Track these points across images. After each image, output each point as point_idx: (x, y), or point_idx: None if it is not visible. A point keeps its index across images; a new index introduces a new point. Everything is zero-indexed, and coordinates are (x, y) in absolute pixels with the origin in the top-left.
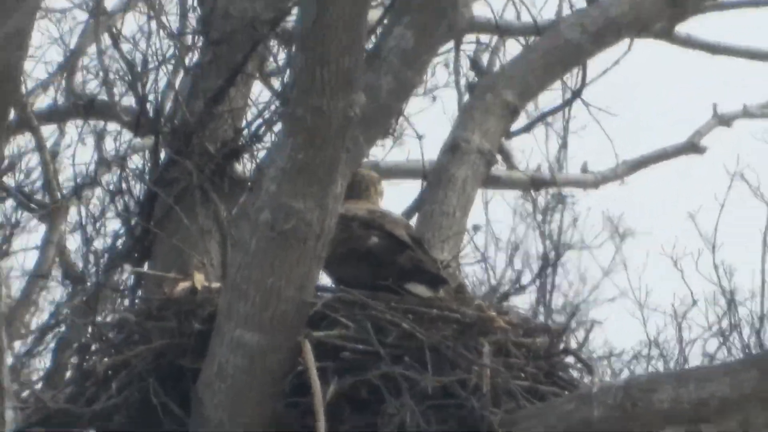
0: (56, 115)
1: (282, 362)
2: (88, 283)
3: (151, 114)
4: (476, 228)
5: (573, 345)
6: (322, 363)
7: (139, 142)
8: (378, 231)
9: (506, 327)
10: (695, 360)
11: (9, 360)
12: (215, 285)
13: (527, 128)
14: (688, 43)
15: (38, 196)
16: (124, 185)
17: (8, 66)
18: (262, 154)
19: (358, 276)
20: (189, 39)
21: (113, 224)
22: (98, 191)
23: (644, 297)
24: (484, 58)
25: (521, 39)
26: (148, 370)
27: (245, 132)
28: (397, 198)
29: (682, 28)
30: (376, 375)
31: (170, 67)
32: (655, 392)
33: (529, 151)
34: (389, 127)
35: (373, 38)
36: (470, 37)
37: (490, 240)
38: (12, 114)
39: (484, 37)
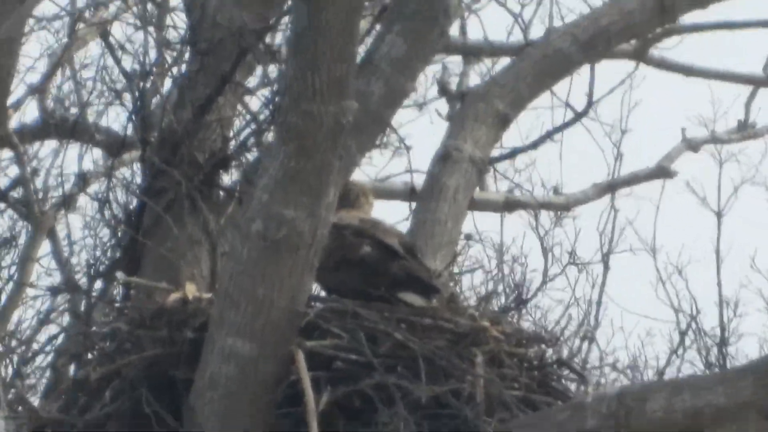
0: (32, 134)
1: (274, 372)
2: (80, 293)
3: (138, 124)
4: (469, 238)
5: (566, 355)
6: (314, 373)
7: (128, 155)
8: (370, 240)
9: (499, 337)
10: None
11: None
12: (207, 295)
13: (534, 145)
14: (662, 64)
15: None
16: (111, 195)
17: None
18: (249, 163)
19: (350, 285)
20: (177, 49)
21: (102, 235)
22: (86, 202)
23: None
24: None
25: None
26: (140, 379)
27: (233, 142)
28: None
29: (656, 51)
30: (369, 385)
31: (158, 76)
32: (648, 401)
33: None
34: (381, 135)
35: (364, 46)
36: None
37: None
38: None
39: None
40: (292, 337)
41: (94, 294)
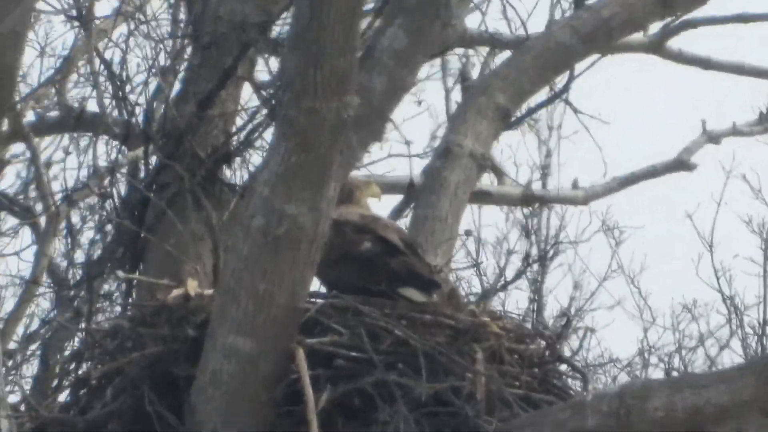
0: (46, 127)
1: (275, 369)
2: (80, 290)
3: (140, 119)
4: (468, 233)
5: (567, 352)
6: (315, 370)
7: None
8: (371, 236)
9: (500, 333)
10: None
11: (3, 369)
12: (208, 292)
13: (511, 126)
14: (679, 57)
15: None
16: (114, 190)
17: (4, 67)
18: (252, 158)
19: (350, 281)
20: (178, 43)
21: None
22: (90, 198)
23: (642, 303)
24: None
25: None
26: (142, 377)
27: (236, 137)
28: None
29: (674, 43)
30: (369, 382)
31: (160, 71)
32: (649, 399)
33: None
34: (383, 129)
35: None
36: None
37: (482, 245)
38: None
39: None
40: (292, 334)
41: (93, 291)
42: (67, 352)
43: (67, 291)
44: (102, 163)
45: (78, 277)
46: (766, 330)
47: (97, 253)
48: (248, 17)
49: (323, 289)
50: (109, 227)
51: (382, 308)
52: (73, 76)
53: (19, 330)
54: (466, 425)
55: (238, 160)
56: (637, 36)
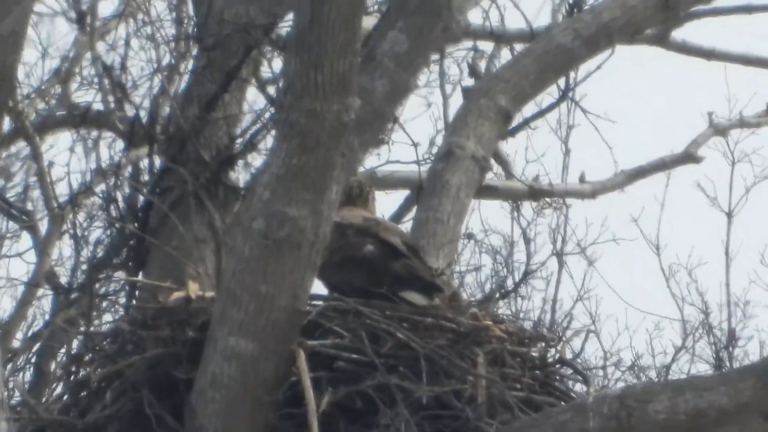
0: (50, 125)
1: (276, 371)
2: (80, 293)
3: (145, 121)
4: (470, 236)
5: (569, 355)
6: (316, 373)
7: (135, 152)
8: (373, 239)
9: (502, 336)
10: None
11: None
12: (209, 294)
13: (517, 129)
14: (683, 49)
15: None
16: (118, 193)
17: (4, 67)
18: (256, 161)
19: (352, 283)
20: (183, 45)
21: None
22: (93, 200)
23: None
24: (482, 65)
25: (516, 46)
26: (142, 380)
27: (240, 139)
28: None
29: (678, 34)
30: (370, 385)
31: (165, 74)
32: (650, 402)
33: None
34: (384, 131)
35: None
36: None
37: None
38: (6, 123)
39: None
40: (293, 337)
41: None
42: (64, 356)
43: (68, 294)
44: (105, 165)
45: (80, 280)
46: None
47: (100, 255)
48: (253, 19)
49: (325, 291)
50: (111, 230)
51: (383, 311)
52: (76, 78)
53: (19, 333)
54: (468, 428)
55: (241, 162)
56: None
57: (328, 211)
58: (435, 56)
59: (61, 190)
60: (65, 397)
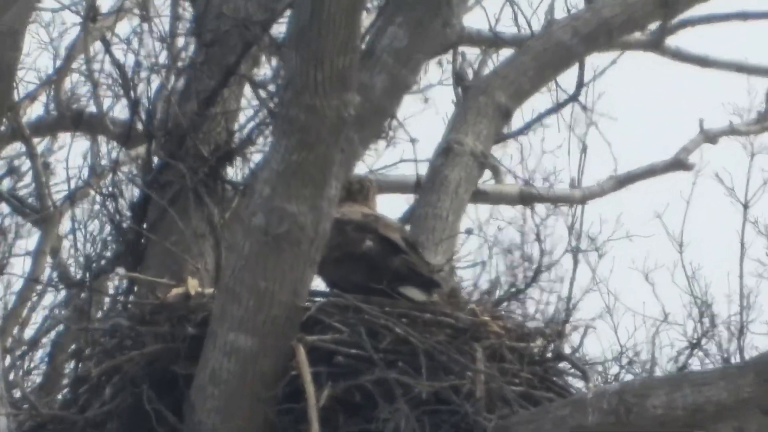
0: (46, 127)
1: (275, 367)
2: (82, 288)
3: (143, 117)
4: (469, 232)
5: (567, 350)
6: (315, 368)
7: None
8: (372, 235)
9: (500, 332)
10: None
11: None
12: (209, 290)
13: (523, 130)
14: (678, 55)
15: (30, 201)
16: (116, 189)
17: (3, 65)
18: (255, 157)
19: (352, 279)
20: (181, 41)
21: (106, 229)
22: (92, 196)
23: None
24: (470, 72)
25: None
26: (141, 376)
27: (238, 135)
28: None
29: (672, 41)
30: (369, 380)
31: (163, 69)
32: (649, 397)
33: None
34: (383, 128)
35: (366, 39)
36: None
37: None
38: (4, 123)
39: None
40: (293, 332)
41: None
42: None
43: (68, 289)
44: (103, 161)
45: (79, 276)
46: None
47: (99, 251)
48: (251, 15)
49: (324, 287)
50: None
51: (382, 307)
52: (73, 75)
53: (16, 329)
54: (466, 423)
55: (240, 158)
56: (636, 33)
57: (328, 207)
58: (448, 56)
59: (60, 188)
60: (65, 393)
